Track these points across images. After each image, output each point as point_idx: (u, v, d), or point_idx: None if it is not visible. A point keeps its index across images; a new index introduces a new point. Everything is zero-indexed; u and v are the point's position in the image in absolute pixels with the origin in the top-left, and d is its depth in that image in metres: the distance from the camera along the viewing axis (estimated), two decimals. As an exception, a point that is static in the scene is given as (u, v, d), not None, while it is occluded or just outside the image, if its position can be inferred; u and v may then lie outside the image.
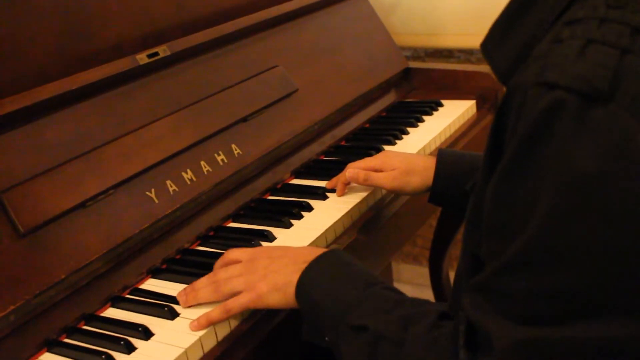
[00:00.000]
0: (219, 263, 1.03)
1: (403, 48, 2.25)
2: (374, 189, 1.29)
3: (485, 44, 0.74)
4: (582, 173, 0.58)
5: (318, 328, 0.88)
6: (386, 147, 1.49)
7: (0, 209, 0.98)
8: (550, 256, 0.61)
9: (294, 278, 0.90)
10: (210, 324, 0.95)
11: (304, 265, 0.91)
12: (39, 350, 0.97)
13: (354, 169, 1.25)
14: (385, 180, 1.22)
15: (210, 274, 1.01)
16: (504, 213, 0.65)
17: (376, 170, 1.25)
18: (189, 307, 0.99)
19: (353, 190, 1.29)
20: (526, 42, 0.69)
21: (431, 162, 1.21)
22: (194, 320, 0.95)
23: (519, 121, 0.61)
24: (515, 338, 0.62)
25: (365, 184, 1.25)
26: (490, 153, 0.68)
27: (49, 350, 0.97)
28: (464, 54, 2.22)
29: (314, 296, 0.88)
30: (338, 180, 1.29)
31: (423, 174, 1.20)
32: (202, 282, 1.00)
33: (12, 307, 0.94)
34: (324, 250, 0.95)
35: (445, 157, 1.20)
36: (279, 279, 0.92)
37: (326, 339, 0.87)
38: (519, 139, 0.61)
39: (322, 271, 0.90)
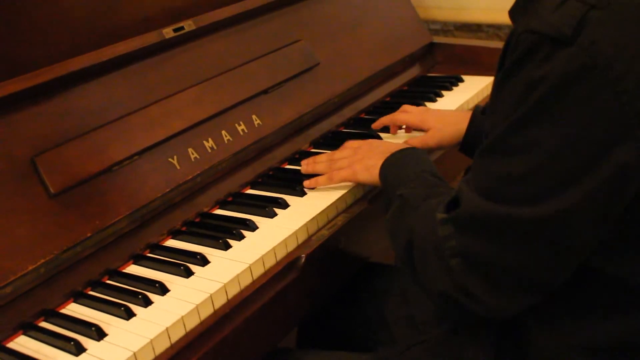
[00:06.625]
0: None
1: (432, 21, 2.28)
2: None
3: (512, 10, 0.89)
4: (540, 92, 0.75)
5: (388, 198, 1.10)
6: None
7: (33, 171, 1.07)
8: (514, 146, 0.79)
9: (379, 162, 1.18)
10: (318, 185, 1.27)
11: (388, 154, 1.17)
12: (66, 300, 1.06)
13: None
14: (423, 140, 1.38)
15: (330, 152, 1.31)
16: (493, 113, 0.84)
17: (416, 128, 1.44)
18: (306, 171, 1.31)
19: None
20: None
21: (464, 116, 1.35)
22: (305, 181, 1.27)
23: (510, 56, 0.79)
24: (476, 207, 0.83)
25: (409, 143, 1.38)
26: (495, 76, 0.86)
27: (75, 301, 1.07)
28: (493, 29, 2.24)
29: (387, 175, 1.14)
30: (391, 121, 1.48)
31: (455, 127, 1.36)
32: (322, 158, 1.31)
33: (42, 261, 1.03)
34: (407, 147, 1.20)
35: (481, 110, 1.33)
36: (370, 162, 1.21)
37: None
38: (507, 68, 0.79)
39: (397, 159, 1.16)
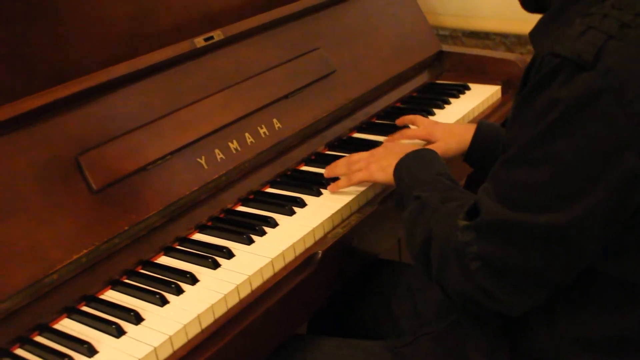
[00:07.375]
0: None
1: (442, 28, 2.38)
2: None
3: (533, 33, 0.99)
4: (559, 110, 0.84)
5: (401, 197, 1.20)
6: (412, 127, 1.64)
7: (77, 169, 1.18)
8: (534, 158, 0.87)
9: (394, 162, 1.26)
10: (339, 188, 1.37)
11: (402, 154, 1.25)
12: (104, 287, 1.17)
13: None
14: None
15: (348, 155, 1.41)
16: (515, 126, 0.92)
17: (423, 140, 1.50)
18: (328, 175, 1.41)
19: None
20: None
21: (469, 128, 1.44)
22: (329, 187, 1.37)
23: (534, 75, 0.88)
24: (497, 215, 0.90)
25: None
26: (518, 93, 0.94)
27: (112, 288, 1.17)
28: (499, 37, 2.34)
29: (402, 175, 1.22)
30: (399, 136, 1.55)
31: (460, 138, 1.44)
32: (342, 162, 1.40)
33: (84, 251, 1.13)
34: (422, 148, 1.29)
35: (485, 125, 1.44)
36: (386, 162, 1.30)
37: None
38: (530, 86, 0.88)
39: (412, 160, 1.24)
